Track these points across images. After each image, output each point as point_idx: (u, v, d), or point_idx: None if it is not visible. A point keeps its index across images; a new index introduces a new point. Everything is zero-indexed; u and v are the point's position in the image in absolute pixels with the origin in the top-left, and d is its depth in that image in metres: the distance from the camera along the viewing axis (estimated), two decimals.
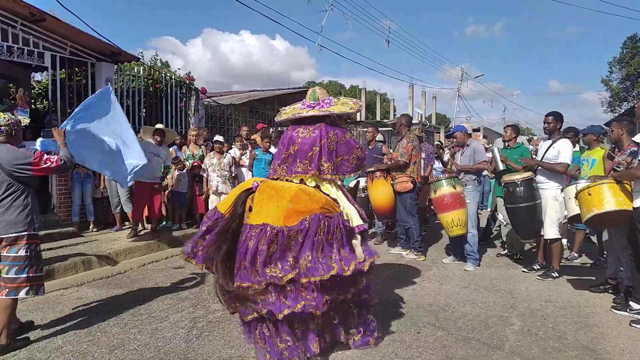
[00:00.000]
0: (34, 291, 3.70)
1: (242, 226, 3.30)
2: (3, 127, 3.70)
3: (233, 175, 7.94)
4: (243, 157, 8.29)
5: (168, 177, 7.91)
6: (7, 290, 3.59)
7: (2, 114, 3.79)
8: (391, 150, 8.57)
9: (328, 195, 3.49)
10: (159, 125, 7.80)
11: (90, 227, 7.67)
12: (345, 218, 3.42)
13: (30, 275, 3.67)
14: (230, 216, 3.31)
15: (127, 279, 5.69)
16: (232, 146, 8.52)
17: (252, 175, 8.01)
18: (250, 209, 3.32)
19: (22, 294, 3.63)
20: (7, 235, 3.63)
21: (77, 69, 8.76)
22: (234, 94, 16.27)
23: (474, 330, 3.97)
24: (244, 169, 8.25)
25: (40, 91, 10.38)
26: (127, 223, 7.66)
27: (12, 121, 3.77)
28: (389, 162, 6.69)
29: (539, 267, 5.83)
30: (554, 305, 4.63)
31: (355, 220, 3.53)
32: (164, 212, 8.24)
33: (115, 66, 8.89)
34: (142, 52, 11.04)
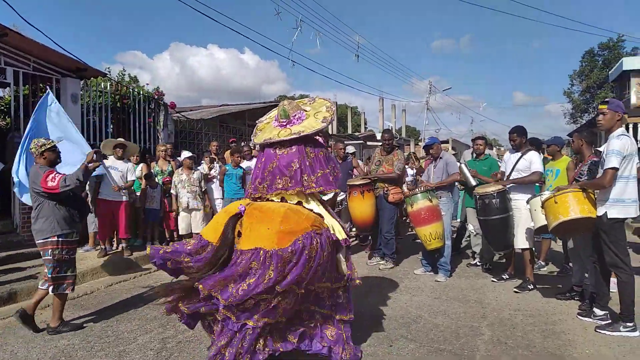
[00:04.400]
0: (56, 288, 4.33)
1: (232, 253, 3.22)
2: (32, 151, 4.36)
3: (203, 190, 7.84)
4: (212, 171, 8.21)
5: (137, 193, 7.73)
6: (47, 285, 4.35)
7: (34, 140, 4.43)
8: (360, 163, 8.65)
9: (312, 211, 3.49)
10: (119, 140, 7.62)
11: None
12: (332, 232, 3.42)
13: (54, 275, 4.31)
14: (221, 243, 3.23)
15: (93, 300, 5.53)
16: (202, 162, 8.42)
17: (223, 191, 7.93)
18: (239, 234, 3.26)
19: (50, 290, 4.32)
20: (38, 241, 4.33)
21: (41, 85, 8.53)
22: (204, 109, 16.13)
23: (445, 342, 4.00)
24: (213, 185, 8.16)
25: (2, 108, 10.06)
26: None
27: (38, 144, 4.35)
28: (393, 174, 6.72)
29: (507, 277, 5.94)
30: (522, 313, 4.72)
31: (340, 234, 3.51)
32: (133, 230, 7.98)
33: (82, 82, 8.70)
34: (109, 68, 10.81)
